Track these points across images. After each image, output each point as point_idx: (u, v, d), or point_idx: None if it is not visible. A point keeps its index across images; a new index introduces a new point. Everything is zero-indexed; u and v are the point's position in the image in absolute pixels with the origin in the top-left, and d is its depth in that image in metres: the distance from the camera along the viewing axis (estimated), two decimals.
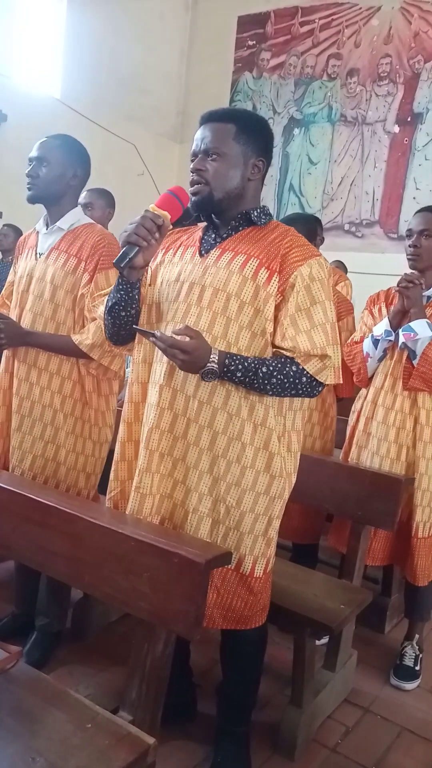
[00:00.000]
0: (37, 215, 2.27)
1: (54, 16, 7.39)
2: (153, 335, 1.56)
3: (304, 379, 1.61)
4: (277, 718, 2.01)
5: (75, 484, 2.21)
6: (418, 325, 2.24)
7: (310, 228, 2.80)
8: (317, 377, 1.62)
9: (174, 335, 1.54)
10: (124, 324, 1.72)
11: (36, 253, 2.21)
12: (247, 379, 1.58)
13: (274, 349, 1.64)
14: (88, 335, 2.07)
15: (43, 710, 1.33)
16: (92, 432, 2.21)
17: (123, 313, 1.70)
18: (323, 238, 2.93)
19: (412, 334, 2.24)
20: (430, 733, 2.15)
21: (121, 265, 1.58)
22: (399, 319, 2.33)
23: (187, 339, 1.53)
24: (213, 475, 1.64)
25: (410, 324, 2.26)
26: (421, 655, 2.49)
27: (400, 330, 2.28)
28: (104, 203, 3.22)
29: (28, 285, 2.18)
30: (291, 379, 1.60)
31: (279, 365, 1.59)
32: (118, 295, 1.67)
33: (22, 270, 2.23)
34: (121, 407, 1.83)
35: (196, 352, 1.53)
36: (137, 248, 1.56)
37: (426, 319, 2.26)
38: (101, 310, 1.79)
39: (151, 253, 1.62)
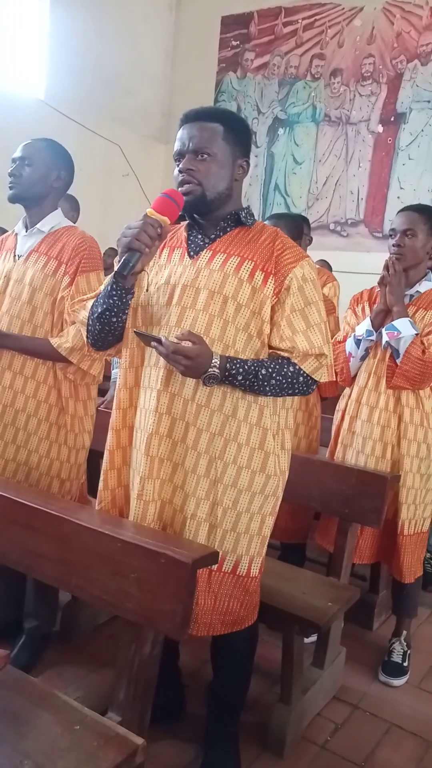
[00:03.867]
0: (20, 217, 2.25)
1: (38, 17, 7.36)
2: (157, 340, 1.54)
3: (301, 378, 1.63)
4: (267, 716, 2.02)
5: (48, 489, 2.18)
6: (401, 324, 2.25)
7: (297, 227, 2.82)
8: (313, 376, 1.64)
9: (177, 340, 1.53)
10: (113, 329, 1.70)
11: (15, 255, 2.19)
12: (247, 382, 1.59)
13: (271, 350, 1.65)
14: (68, 338, 2.06)
15: (31, 713, 1.33)
16: (68, 438, 2.19)
17: (114, 319, 1.68)
18: (311, 238, 2.93)
19: (396, 332, 2.25)
20: (418, 728, 2.17)
21: (124, 273, 1.55)
22: (381, 319, 2.35)
23: (189, 344, 1.52)
24: (210, 478, 1.64)
25: (393, 323, 2.27)
26: (409, 651, 2.51)
27: (383, 329, 2.30)
28: (67, 207, 3.20)
29: (5, 287, 2.16)
30: (289, 379, 1.62)
31: (277, 366, 1.61)
32: (110, 301, 1.64)
33: None
34: (105, 409, 1.82)
35: (199, 358, 1.53)
36: (138, 255, 1.54)
37: (408, 318, 2.27)
38: (83, 314, 1.76)
39: (149, 259, 1.61)
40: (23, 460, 2.15)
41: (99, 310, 1.67)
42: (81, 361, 2.08)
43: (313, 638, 2.30)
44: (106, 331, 1.71)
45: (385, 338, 2.29)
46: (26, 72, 7.34)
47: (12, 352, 2.13)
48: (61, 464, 2.20)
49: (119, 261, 1.56)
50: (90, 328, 1.73)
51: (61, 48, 7.41)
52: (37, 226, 2.17)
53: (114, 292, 1.63)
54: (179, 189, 1.62)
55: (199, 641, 1.81)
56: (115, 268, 1.58)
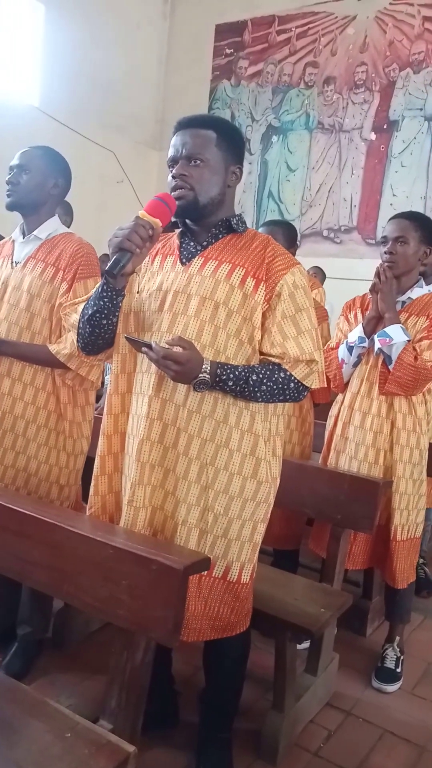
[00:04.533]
0: (17, 224, 2.26)
1: (32, 24, 7.38)
2: (148, 346, 1.54)
3: (292, 384, 1.64)
4: (260, 724, 2.01)
5: (47, 495, 2.19)
6: (393, 330, 2.26)
7: (292, 235, 2.85)
8: (304, 382, 1.65)
9: (167, 345, 1.54)
10: (103, 332, 1.71)
11: (12, 262, 2.19)
12: (238, 388, 1.59)
13: (262, 356, 1.65)
14: (66, 345, 2.06)
15: (22, 720, 1.33)
16: (66, 443, 2.19)
17: (104, 321, 1.68)
18: (298, 245, 2.97)
19: (388, 339, 2.26)
20: (411, 734, 2.16)
21: (114, 272, 1.56)
22: (373, 325, 2.36)
23: (180, 349, 1.52)
24: (201, 484, 1.64)
25: (385, 329, 2.28)
26: (402, 657, 2.50)
27: (376, 336, 2.31)
28: (60, 212, 3.20)
29: (2, 294, 2.17)
30: (280, 386, 1.62)
31: (268, 372, 1.61)
32: (101, 303, 1.65)
33: None
34: (99, 415, 1.82)
35: (189, 364, 1.53)
36: (129, 255, 1.55)
37: (400, 324, 2.29)
38: (74, 318, 1.76)
39: (140, 261, 1.61)
40: (22, 466, 2.15)
41: (89, 312, 1.68)
42: (79, 367, 2.09)
43: (306, 644, 2.29)
44: (96, 334, 1.71)
45: (377, 345, 2.30)
46: (20, 79, 7.35)
47: (10, 358, 2.13)
48: (60, 470, 2.20)
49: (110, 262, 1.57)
50: (80, 330, 1.73)
51: (55, 55, 7.42)
52: (35, 232, 2.17)
53: (104, 294, 1.64)
54: (172, 194, 1.64)
55: (191, 648, 1.81)
56: None
